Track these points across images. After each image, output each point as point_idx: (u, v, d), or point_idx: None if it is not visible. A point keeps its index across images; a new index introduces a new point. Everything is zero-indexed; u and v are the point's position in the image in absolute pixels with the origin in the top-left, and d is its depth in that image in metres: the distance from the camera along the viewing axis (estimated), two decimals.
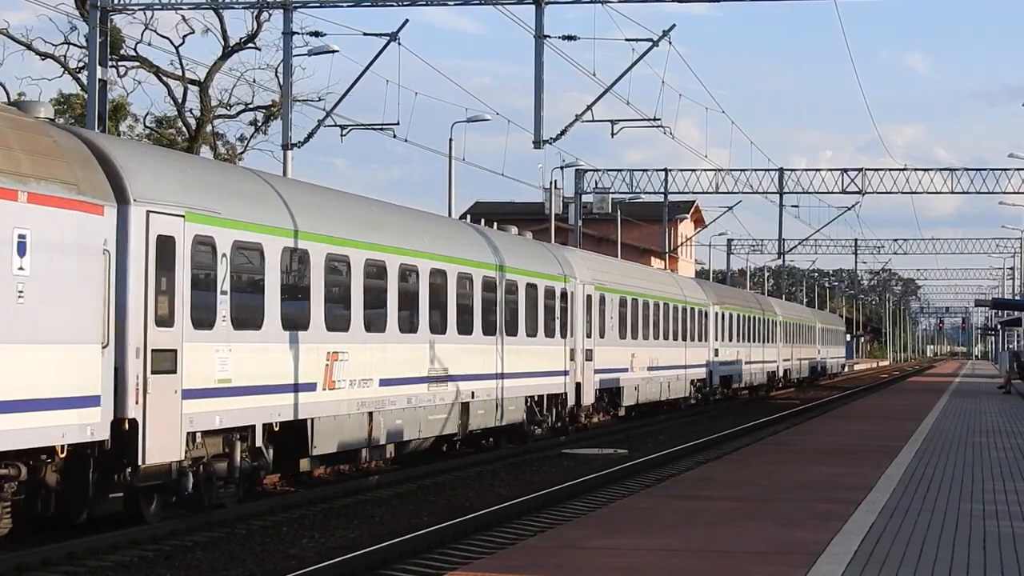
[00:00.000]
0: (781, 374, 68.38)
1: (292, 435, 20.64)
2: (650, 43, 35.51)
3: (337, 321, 21.97)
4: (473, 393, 27.53)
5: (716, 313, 51.87)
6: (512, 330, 30.02)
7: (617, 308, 38.47)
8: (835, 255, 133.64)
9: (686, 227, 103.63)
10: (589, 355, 35.31)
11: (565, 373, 33.52)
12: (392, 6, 35.69)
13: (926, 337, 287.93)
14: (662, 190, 64.71)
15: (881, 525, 15.00)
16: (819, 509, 16.40)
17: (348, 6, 35.81)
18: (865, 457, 23.69)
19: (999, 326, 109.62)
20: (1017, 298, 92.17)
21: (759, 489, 18.68)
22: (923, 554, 13.06)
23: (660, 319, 43.56)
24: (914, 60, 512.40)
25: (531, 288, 31.35)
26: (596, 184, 63.36)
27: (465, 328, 27.33)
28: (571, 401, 33.93)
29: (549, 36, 33.98)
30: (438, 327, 26.03)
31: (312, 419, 20.99)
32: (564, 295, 33.78)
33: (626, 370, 39.08)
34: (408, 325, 24.69)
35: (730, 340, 54.55)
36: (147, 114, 59.18)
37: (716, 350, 51.39)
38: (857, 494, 17.82)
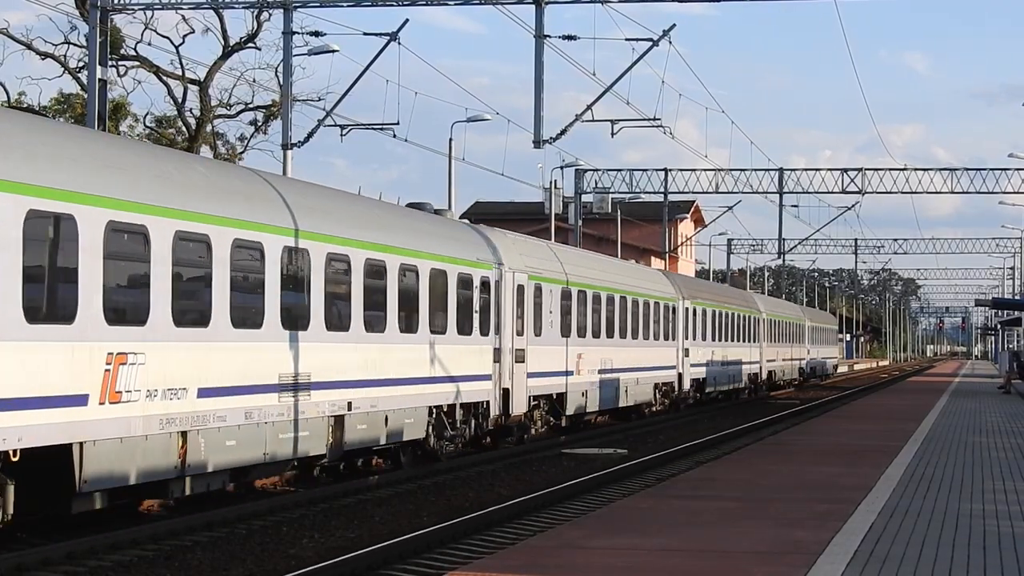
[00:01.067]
0: (764, 376, 63.87)
1: (53, 466, 15.74)
2: (650, 43, 35.55)
3: (126, 312, 16.97)
4: (350, 404, 22.29)
5: (687, 309, 47.13)
6: (410, 326, 24.66)
7: (558, 301, 33.28)
8: (835, 255, 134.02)
9: (686, 227, 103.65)
10: (520, 356, 30.28)
11: (488, 377, 28.64)
12: (392, 6, 35.70)
13: (926, 337, 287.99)
14: (662, 190, 64.76)
15: (881, 525, 15.00)
16: (819, 509, 16.40)
17: (348, 6, 35.85)
18: (865, 457, 23.69)
19: (999, 326, 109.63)
20: (1017, 298, 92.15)
21: (759, 489, 18.68)
22: (923, 554, 13.06)
23: (616, 314, 38.51)
24: (914, 60, 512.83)
25: (439, 275, 26.08)
26: (596, 184, 63.38)
27: (339, 323, 22.02)
28: (495, 410, 28.90)
29: (549, 36, 34.02)
30: (297, 322, 20.69)
31: (81, 443, 15.92)
32: (487, 285, 28.68)
33: (570, 373, 33.95)
34: (250, 319, 19.54)
35: (704, 339, 49.67)
36: (147, 114, 59.31)
37: (687, 350, 46.75)
38: (857, 494, 17.82)
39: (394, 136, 38.90)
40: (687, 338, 47.01)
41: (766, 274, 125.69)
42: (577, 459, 29.43)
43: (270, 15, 53.06)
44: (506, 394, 29.31)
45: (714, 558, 12.97)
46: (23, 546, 16.22)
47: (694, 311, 48.45)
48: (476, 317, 27.89)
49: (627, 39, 35.79)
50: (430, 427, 25.78)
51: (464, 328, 27.21)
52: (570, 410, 34.12)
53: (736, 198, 70.83)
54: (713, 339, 51.33)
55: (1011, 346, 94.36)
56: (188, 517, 18.32)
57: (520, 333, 30.31)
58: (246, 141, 60.24)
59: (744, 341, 58.33)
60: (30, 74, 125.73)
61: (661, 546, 13.65)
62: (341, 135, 38.53)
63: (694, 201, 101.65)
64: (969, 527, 14.97)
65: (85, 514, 17.24)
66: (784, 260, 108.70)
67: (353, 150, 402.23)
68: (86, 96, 37.57)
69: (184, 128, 57.25)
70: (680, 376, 46.15)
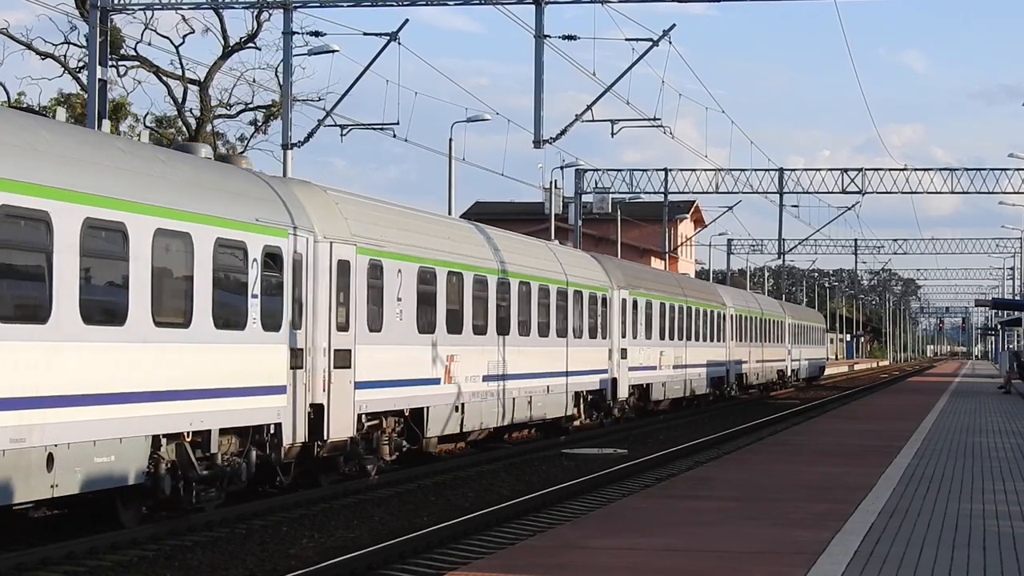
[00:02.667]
0: (732, 380, 56.05)
1: None
2: (650, 43, 35.56)
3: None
4: None
5: (624, 300, 39.42)
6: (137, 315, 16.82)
7: (414, 286, 24.99)
8: (835, 255, 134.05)
9: (686, 227, 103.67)
10: (345, 359, 21.99)
11: (280, 390, 20.13)
12: (392, 6, 35.70)
13: (926, 337, 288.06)
14: (662, 190, 64.75)
15: (881, 525, 15.00)
16: (819, 509, 16.40)
17: (348, 6, 35.86)
18: (865, 457, 23.69)
19: (999, 326, 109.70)
20: (1017, 298, 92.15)
21: (759, 489, 18.68)
22: (923, 554, 13.06)
23: (512, 306, 30.13)
24: (912, 59, 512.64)
25: (186, 241, 17.94)
26: (596, 184, 63.38)
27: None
28: (297, 436, 20.54)
29: (549, 36, 34.03)
30: None
31: None
32: (277, 259, 20.08)
33: (435, 382, 25.86)
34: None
35: (649, 337, 42.17)
36: (147, 114, 59.34)
37: (624, 350, 39.00)
38: (857, 494, 17.82)
39: (394, 136, 38.94)
40: (625, 336, 39.29)
41: (766, 274, 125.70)
42: (577, 459, 29.42)
43: (270, 15, 53.15)
44: (319, 414, 21.14)
45: (714, 558, 12.97)
46: (23, 546, 16.21)
47: (634, 304, 40.70)
48: (246, 301, 19.26)
49: (627, 39, 35.83)
50: (152, 462, 17.40)
51: (233, 322, 19.04)
52: (433, 431, 25.83)
53: (736, 198, 70.90)
54: (662, 337, 43.95)
55: (1011, 346, 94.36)
56: (188, 517, 18.32)
57: (344, 329, 22.09)
58: (246, 141, 60.31)
59: (705, 340, 50.45)
60: (30, 74, 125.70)
61: (661, 546, 13.65)
62: (341, 135, 38.57)
63: (694, 201, 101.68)
64: (969, 527, 14.97)
65: (85, 514, 17.23)
66: (784, 260, 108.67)
67: (351, 150, 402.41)
68: (86, 96, 37.57)
69: (184, 128, 57.27)
70: (614, 382, 38.26)
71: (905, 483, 19.42)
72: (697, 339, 49.27)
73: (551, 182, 60.12)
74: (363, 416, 22.91)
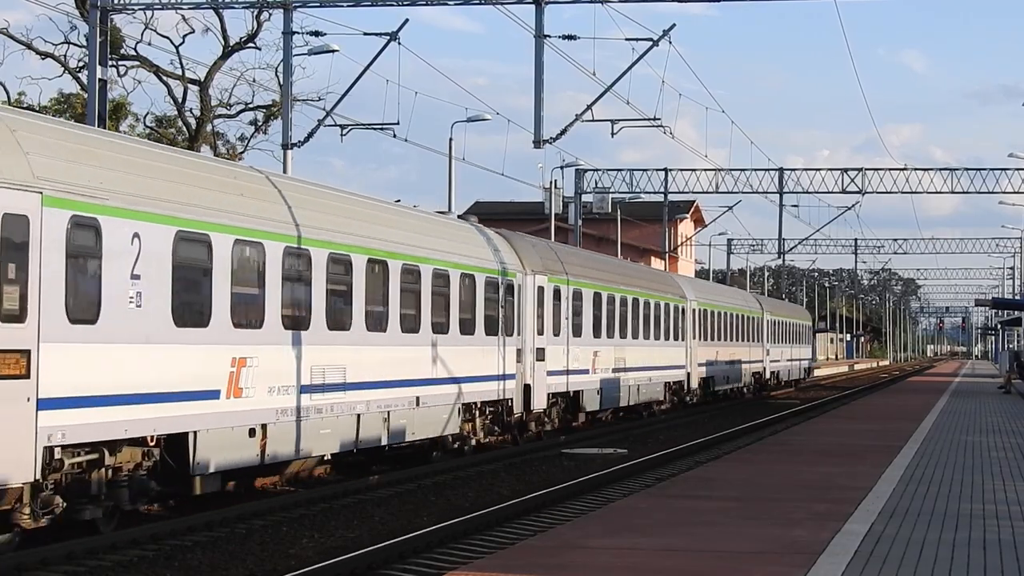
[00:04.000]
0: (695, 384, 48.45)
1: None
2: (650, 43, 35.54)
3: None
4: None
5: (541, 288, 32.08)
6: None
7: (161, 255, 17.71)
8: (835, 255, 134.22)
9: (686, 227, 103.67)
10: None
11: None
12: (392, 6, 35.70)
13: (926, 337, 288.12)
14: (662, 190, 64.77)
15: (881, 525, 15.00)
16: (819, 509, 16.40)
17: (348, 6, 35.85)
18: (865, 457, 23.69)
19: (999, 326, 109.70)
20: (1017, 298, 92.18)
21: (759, 489, 18.68)
22: (923, 554, 13.06)
23: (356, 291, 22.83)
24: (912, 58, 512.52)
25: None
26: (596, 184, 63.39)
27: None
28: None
29: (549, 36, 34.01)
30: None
31: None
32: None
33: (210, 396, 18.73)
34: None
35: (578, 334, 35.00)
36: (147, 114, 59.40)
37: (540, 350, 31.86)
38: (857, 494, 17.82)
39: (394, 136, 38.93)
40: (542, 332, 32.23)
41: (766, 274, 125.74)
42: (577, 459, 29.42)
43: (270, 15, 53.16)
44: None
45: (714, 558, 12.97)
46: (23, 546, 16.20)
47: (556, 293, 33.35)
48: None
49: (627, 39, 35.82)
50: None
51: None
52: (209, 464, 18.69)
53: (736, 198, 70.91)
54: (598, 335, 36.96)
55: (1011, 346, 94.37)
56: (188, 517, 18.33)
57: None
58: (246, 141, 60.33)
59: (659, 338, 43.68)
60: (30, 74, 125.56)
61: (661, 546, 13.65)
62: (341, 135, 38.57)
63: (694, 201, 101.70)
64: (969, 527, 14.97)
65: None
66: (784, 260, 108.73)
67: (350, 150, 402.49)
68: (86, 96, 37.57)
69: (184, 128, 57.29)
70: (527, 389, 31.03)
71: (905, 483, 19.42)
72: (647, 337, 42.12)
73: (551, 182, 60.20)
74: (55, 452, 15.68)
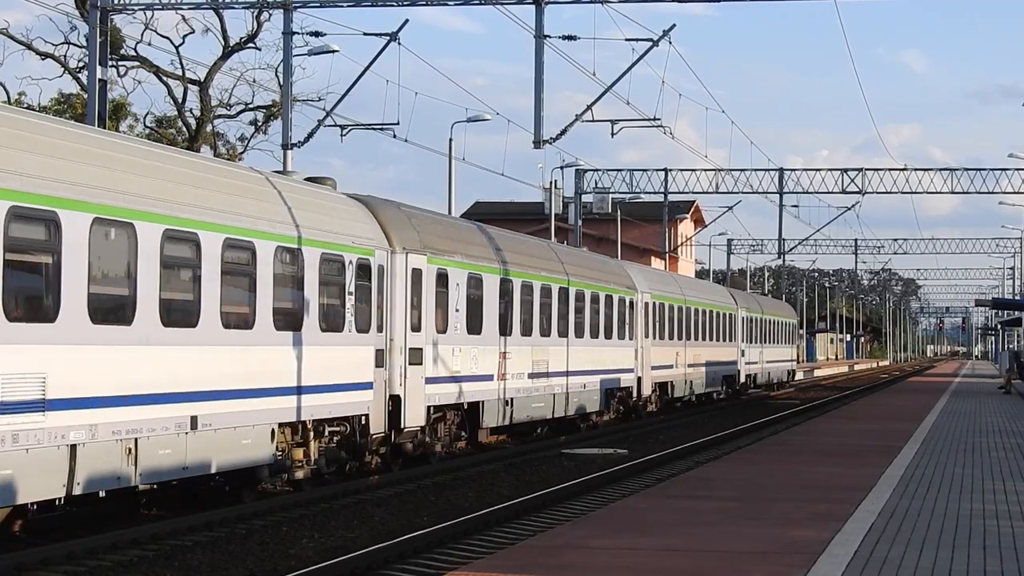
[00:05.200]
0: (647, 391, 41.75)
1: None
2: (650, 43, 35.54)
3: None
4: None
5: (416, 271, 25.06)
6: None
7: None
8: (835, 255, 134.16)
9: (686, 227, 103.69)
10: None
11: None
12: (392, 6, 35.69)
13: (926, 337, 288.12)
14: (662, 190, 64.76)
15: (881, 525, 15.00)
16: (819, 509, 16.40)
17: (348, 6, 35.85)
18: (865, 457, 23.69)
19: (999, 326, 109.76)
20: (1017, 298, 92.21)
21: (759, 489, 18.68)
22: (923, 554, 13.06)
23: (125, 272, 17.00)
24: (912, 58, 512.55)
25: None
26: (596, 184, 63.39)
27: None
28: None
29: (549, 36, 34.01)
30: None
31: None
32: None
33: None
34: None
35: (475, 332, 27.91)
36: (147, 114, 59.39)
37: (416, 351, 24.89)
38: (857, 494, 17.82)
39: (394, 136, 38.92)
40: (419, 329, 25.14)
41: (766, 274, 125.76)
42: (577, 459, 29.42)
43: (270, 15, 53.16)
44: None
45: (714, 558, 12.97)
46: (23, 546, 16.21)
47: (441, 278, 26.36)
48: None
49: (627, 39, 35.80)
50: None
51: None
52: None
53: (736, 198, 70.87)
54: (505, 332, 29.73)
55: (1011, 346, 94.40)
56: (188, 517, 18.33)
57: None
58: (246, 141, 60.34)
59: (598, 336, 36.80)
60: (30, 74, 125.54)
61: (661, 546, 13.65)
62: (341, 135, 38.54)
63: (694, 201, 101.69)
64: (969, 527, 14.97)
65: (85, 514, 17.23)
66: (784, 260, 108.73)
67: (350, 150, 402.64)
68: (86, 96, 37.58)
69: (184, 128, 57.30)
70: (398, 401, 24.09)
71: (905, 483, 19.42)
72: (581, 335, 35.31)
73: (551, 182, 60.18)
74: None
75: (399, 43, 35.93)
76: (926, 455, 24.27)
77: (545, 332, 32.55)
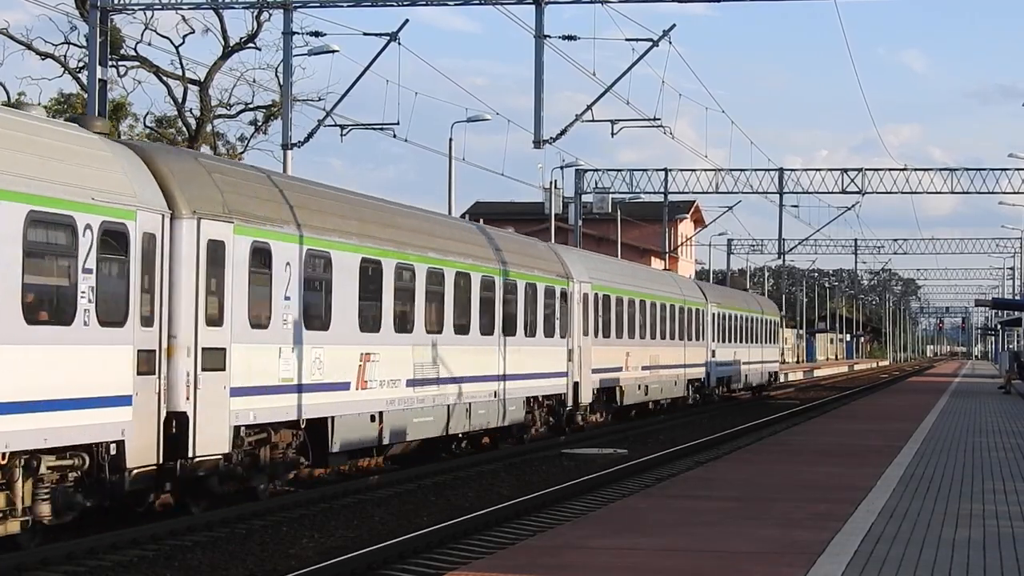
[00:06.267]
0: (586, 398, 35.19)
1: None
2: (650, 43, 35.53)
3: None
4: None
5: (242, 247, 19.54)
6: None
7: None
8: (835, 255, 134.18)
9: (686, 227, 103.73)
10: None
11: None
12: (392, 6, 35.69)
13: (926, 337, 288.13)
14: (662, 190, 64.76)
15: (881, 525, 15.00)
16: (819, 509, 16.40)
17: (348, 6, 35.83)
18: (865, 457, 23.69)
19: (999, 326, 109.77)
20: (1017, 298, 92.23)
21: (759, 489, 18.68)
22: (923, 554, 13.06)
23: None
24: (911, 58, 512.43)
25: None
26: (596, 184, 63.40)
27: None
28: None
29: (549, 36, 34.00)
30: None
31: None
32: None
33: None
34: None
35: (323, 327, 21.82)
36: (147, 114, 59.37)
37: (232, 353, 19.17)
38: (857, 494, 17.82)
39: (394, 136, 38.92)
40: (213, 323, 18.82)
41: (766, 274, 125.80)
42: (577, 459, 29.42)
43: (270, 15, 53.14)
44: None
45: (714, 558, 12.97)
46: (22, 546, 16.20)
47: (264, 257, 20.11)
48: None
49: (627, 39, 35.79)
50: None
51: None
52: None
53: (736, 198, 70.82)
54: (399, 326, 24.54)
55: (1011, 346, 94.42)
56: (188, 517, 18.33)
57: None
58: (246, 141, 60.35)
59: (511, 333, 30.04)
60: (30, 74, 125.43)
61: (661, 546, 13.65)
62: (341, 135, 38.53)
63: (694, 201, 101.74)
64: (969, 527, 14.97)
65: (85, 514, 17.23)
66: (784, 260, 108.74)
67: (349, 150, 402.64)
68: (86, 96, 37.58)
69: (184, 128, 57.30)
70: (184, 420, 18.04)
71: (905, 483, 19.43)
72: (488, 332, 28.71)
73: (551, 182, 60.23)
74: None
75: (399, 43, 35.95)
76: (926, 455, 24.27)
77: (434, 328, 25.98)
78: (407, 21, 35.98)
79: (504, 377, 29.67)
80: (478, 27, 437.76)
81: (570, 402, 34.33)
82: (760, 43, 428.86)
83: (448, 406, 26.64)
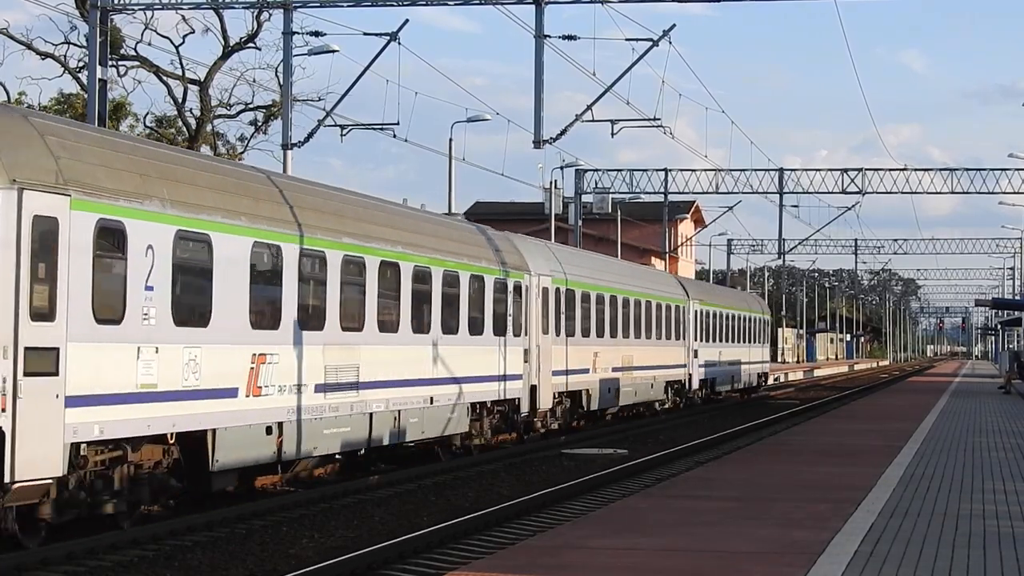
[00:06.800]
0: (545, 404, 31.93)
1: None
2: (650, 43, 35.53)
3: None
4: None
5: (84, 225, 15.96)
6: None
7: None
8: (835, 255, 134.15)
9: (686, 227, 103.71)
10: None
11: None
12: (392, 6, 35.70)
13: (926, 337, 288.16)
14: (662, 190, 64.78)
15: (881, 525, 15.00)
16: (819, 509, 16.40)
17: (348, 6, 35.85)
18: (865, 457, 23.69)
19: (999, 326, 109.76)
20: (1017, 298, 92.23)
21: (759, 489, 18.68)
22: (923, 554, 13.06)
23: None
24: (911, 58, 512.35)
25: None
26: (596, 184, 63.41)
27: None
28: None
29: (549, 36, 34.00)
30: None
31: None
32: None
33: None
34: None
35: (200, 323, 18.38)
36: (147, 114, 59.39)
37: (67, 355, 15.63)
38: (857, 494, 17.82)
39: (394, 136, 38.92)
40: (40, 318, 15.46)
41: (766, 274, 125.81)
42: (577, 459, 29.42)
43: (270, 15, 53.18)
44: None
45: (714, 558, 12.97)
46: (22, 546, 16.19)
47: (116, 238, 16.75)
48: None
49: (627, 39, 35.80)
50: None
51: None
52: None
53: (736, 198, 70.81)
54: (306, 323, 21.13)
55: (1011, 346, 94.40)
56: (188, 517, 18.33)
57: None
58: (246, 141, 60.36)
59: (452, 332, 26.75)
60: (30, 74, 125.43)
61: (661, 546, 13.65)
62: (341, 135, 38.53)
63: (694, 201, 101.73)
64: (969, 527, 14.97)
65: (84, 514, 17.23)
66: (784, 260, 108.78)
67: (349, 150, 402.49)
68: (86, 96, 37.58)
69: (184, 128, 57.31)
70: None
71: (905, 483, 19.42)
72: (423, 330, 25.46)
73: (551, 182, 60.22)
74: None
75: (399, 43, 35.95)
76: (926, 455, 24.27)
77: (352, 325, 22.71)
78: (407, 21, 36.02)
79: (441, 381, 26.21)
80: (478, 27, 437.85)
81: (526, 408, 30.80)
82: (760, 43, 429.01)
83: (370, 414, 23.23)
